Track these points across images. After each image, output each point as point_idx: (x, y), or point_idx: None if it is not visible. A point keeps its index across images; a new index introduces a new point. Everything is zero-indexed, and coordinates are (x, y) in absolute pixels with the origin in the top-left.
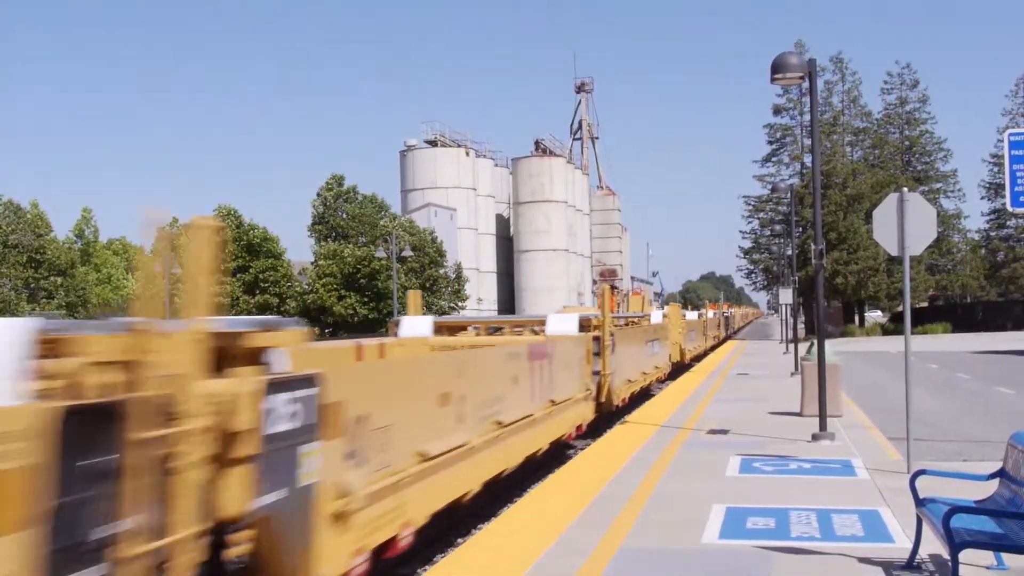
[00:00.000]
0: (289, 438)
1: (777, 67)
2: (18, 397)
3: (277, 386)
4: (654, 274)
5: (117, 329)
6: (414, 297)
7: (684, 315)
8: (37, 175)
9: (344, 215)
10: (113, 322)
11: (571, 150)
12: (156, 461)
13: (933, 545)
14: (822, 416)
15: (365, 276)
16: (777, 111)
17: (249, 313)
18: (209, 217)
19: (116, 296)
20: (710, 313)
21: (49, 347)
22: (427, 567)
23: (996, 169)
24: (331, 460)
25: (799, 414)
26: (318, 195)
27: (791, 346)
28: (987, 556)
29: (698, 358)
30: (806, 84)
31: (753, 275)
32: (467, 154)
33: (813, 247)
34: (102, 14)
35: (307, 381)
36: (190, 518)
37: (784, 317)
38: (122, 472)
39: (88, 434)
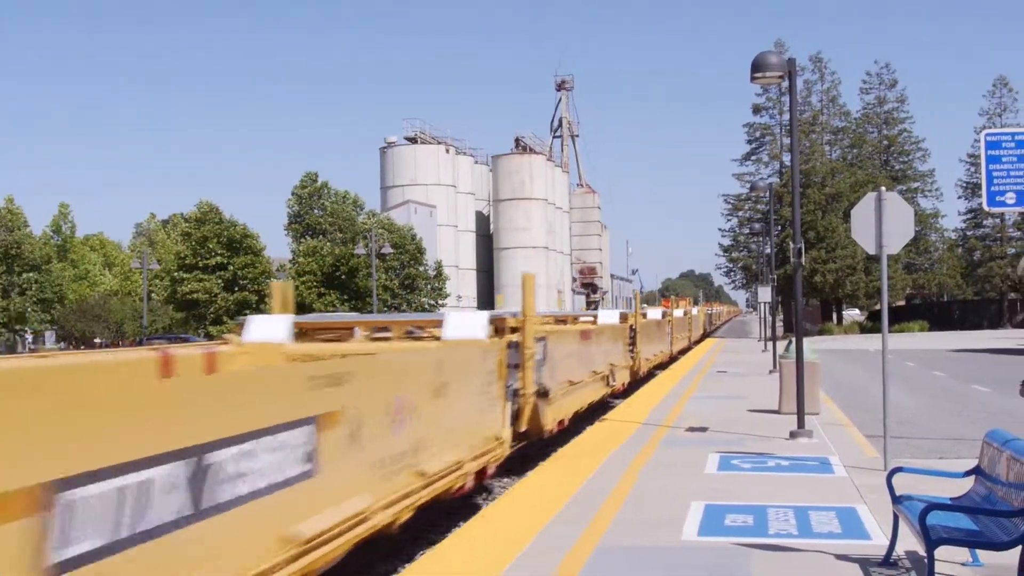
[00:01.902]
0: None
1: (757, 66)
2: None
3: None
4: (634, 272)
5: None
6: (280, 289)
7: (645, 314)
8: (13, 171)
9: (319, 212)
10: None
11: (551, 148)
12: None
13: (910, 542)
14: (800, 414)
15: (345, 273)
16: (757, 110)
17: (227, 310)
18: None
19: (92, 292)
20: (679, 312)
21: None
22: (407, 564)
23: (973, 169)
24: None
25: (777, 412)
26: (293, 193)
27: (769, 344)
28: (963, 552)
29: (662, 365)
30: (785, 83)
31: (732, 273)
32: (447, 151)
33: (792, 246)
34: (81, 9)
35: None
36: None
37: (763, 315)
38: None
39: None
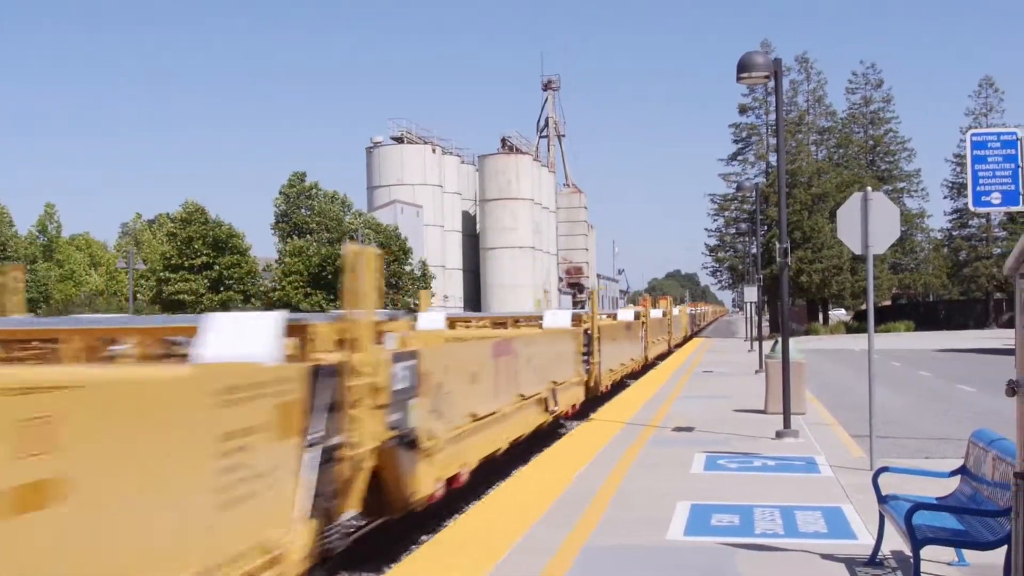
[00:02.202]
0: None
1: (743, 66)
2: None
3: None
4: (620, 272)
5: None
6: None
7: (615, 315)
8: None
9: (307, 212)
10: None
11: (538, 148)
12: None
13: (895, 542)
14: (786, 414)
15: (331, 274)
16: (743, 110)
17: (213, 310)
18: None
19: (78, 292)
20: (656, 312)
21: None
22: (392, 565)
23: (959, 169)
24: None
25: (763, 412)
26: (280, 193)
27: (755, 344)
28: (949, 552)
29: (634, 375)
30: (771, 83)
31: (718, 273)
32: (434, 151)
33: (778, 246)
34: (65, 9)
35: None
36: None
37: (749, 315)
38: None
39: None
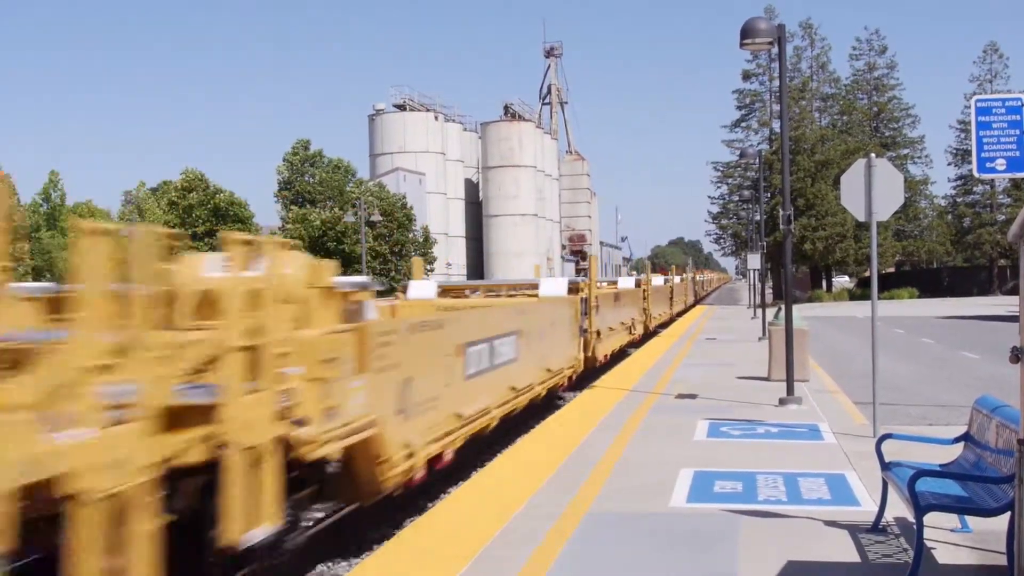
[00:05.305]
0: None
1: (746, 32)
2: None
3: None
4: (623, 239)
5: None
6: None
7: (616, 282)
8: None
9: (311, 180)
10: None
11: (540, 115)
12: None
13: (899, 508)
14: (789, 381)
15: (332, 240)
16: (746, 76)
17: None
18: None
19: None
20: (658, 279)
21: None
22: (408, 521)
23: (963, 135)
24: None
25: (766, 379)
26: (284, 160)
27: (759, 311)
28: (952, 519)
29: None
30: (775, 50)
31: (722, 240)
32: (436, 118)
33: (781, 213)
34: None
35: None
36: None
37: (752, 282)
38: None
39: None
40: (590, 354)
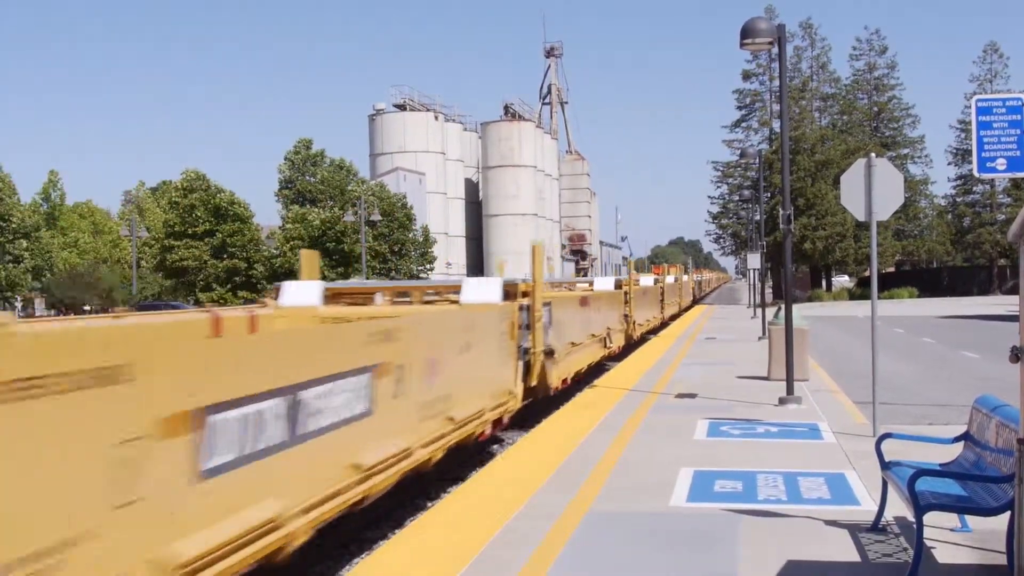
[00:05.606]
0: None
1: (746, 32)
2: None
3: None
4: (623, 239)
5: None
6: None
7: (573, 286)
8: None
9: (312, 179)
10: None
11: (540, 115)
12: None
13: (899, 508)
14: (789, 380)
15: (332, 239)
16: (746, 76)
17: (217, 277)
18: None
19: (81, 260)
20: (647, 279)
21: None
22: (396, 531)
23: (963, 135)
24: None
25: (766, 378)
26: (286, 159)
27: (759, 311)
28: (952, 518)
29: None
30: (775, 50)
31: (722, 240)
32: (436, 118)
33: (781, 212)
34: None
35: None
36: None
37: (752, 282)
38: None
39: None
40: (535, 383)
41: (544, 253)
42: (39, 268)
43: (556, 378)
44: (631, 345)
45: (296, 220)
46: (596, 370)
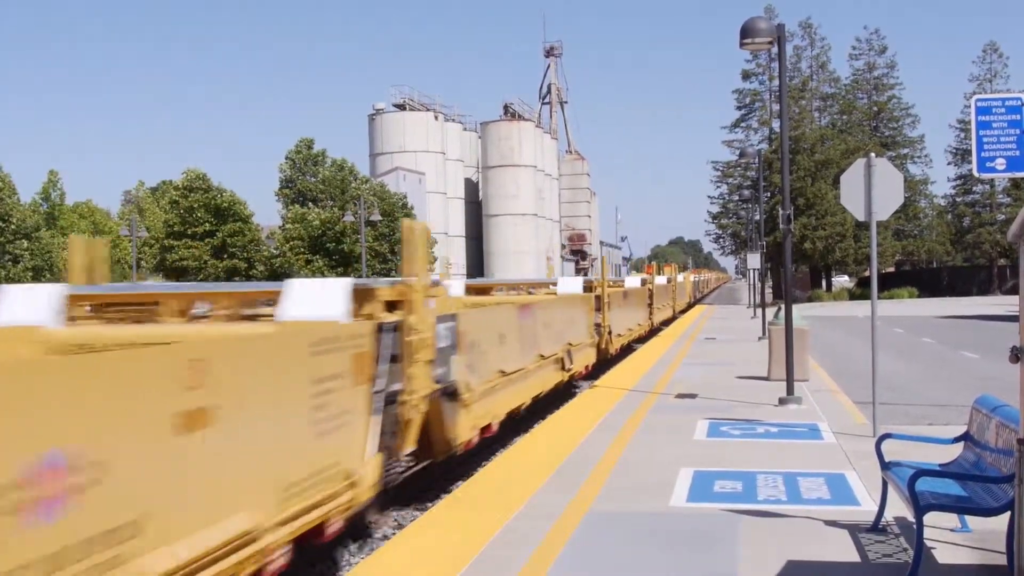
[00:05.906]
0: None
1: (746, 32)
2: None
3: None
4: (623, 239)
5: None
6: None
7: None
8: (1, 138)
9: (313, 179)
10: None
11: (540, 114)
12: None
13: (899, 508)
14: (789, 380)
15: (332, 239)
16: (746, 76)
17: (217, 277)
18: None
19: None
20: (633, 280)
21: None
22: (397, 532)
23: (963, 135)
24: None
25: (766, 378)
26: (287, 158)
27: (759, 311)
28: (952, 519)
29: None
30: (775, 49)
31: (721, 240)
32: (436, 118)
33: (781, 212)
34: None
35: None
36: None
37: (752, 282)
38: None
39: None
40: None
41: (427, 236)
42: (39, 268)
43: (467, 428)
44: (607, 362)
45: (296, 220)
46: (563, 394)
